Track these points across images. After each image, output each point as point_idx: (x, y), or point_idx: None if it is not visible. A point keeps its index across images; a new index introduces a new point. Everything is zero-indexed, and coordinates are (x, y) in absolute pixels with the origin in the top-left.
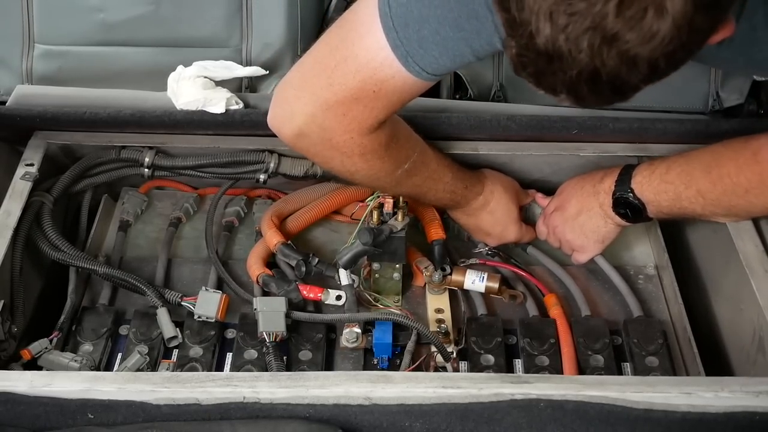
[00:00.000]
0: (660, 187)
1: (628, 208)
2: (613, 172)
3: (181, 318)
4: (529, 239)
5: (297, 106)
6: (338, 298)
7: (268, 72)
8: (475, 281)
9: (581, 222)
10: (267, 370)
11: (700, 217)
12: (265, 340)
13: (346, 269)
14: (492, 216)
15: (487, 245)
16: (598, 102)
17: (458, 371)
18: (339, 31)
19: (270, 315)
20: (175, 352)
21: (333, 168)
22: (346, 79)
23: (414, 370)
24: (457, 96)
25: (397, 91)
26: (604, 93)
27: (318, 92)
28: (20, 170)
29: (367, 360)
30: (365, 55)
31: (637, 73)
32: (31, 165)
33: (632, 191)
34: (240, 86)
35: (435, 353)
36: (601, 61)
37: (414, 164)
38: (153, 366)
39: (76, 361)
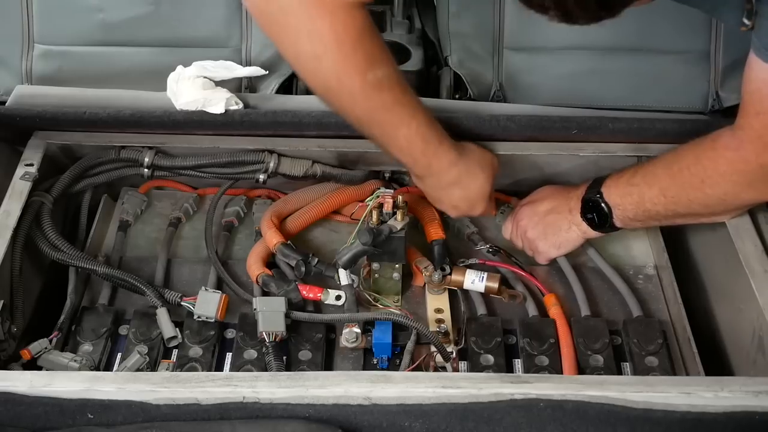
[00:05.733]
0: (626, 190)
1: (595, 212)
2: (590, 180)
3: (181, 318)
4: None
5: None
6: (338, 298)
7: (267, 72)
8: (474, 281)
9: (548, 221)
10: (267, 370)
11: (664, 220)
12: (265, 340)
13: (345, 269)
14: (464, 191)
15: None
16: (586, 16)
17: (458, 371)
18: None
19: (270, 315)
20: (175, 352)
21: (299, 47)
22: None
23: (414, 370)
24: (457, 96)
25: None
26: (590, 6)
27: None
28: (20, 170)
29: (366, 360)
30: None
31: None
32: (31, 165)
33: (600, 195)
34: (240, 86)
35: (435, 353)
36: None
37: (388, 77)
38: (153, 366)
39: (75, 361)
